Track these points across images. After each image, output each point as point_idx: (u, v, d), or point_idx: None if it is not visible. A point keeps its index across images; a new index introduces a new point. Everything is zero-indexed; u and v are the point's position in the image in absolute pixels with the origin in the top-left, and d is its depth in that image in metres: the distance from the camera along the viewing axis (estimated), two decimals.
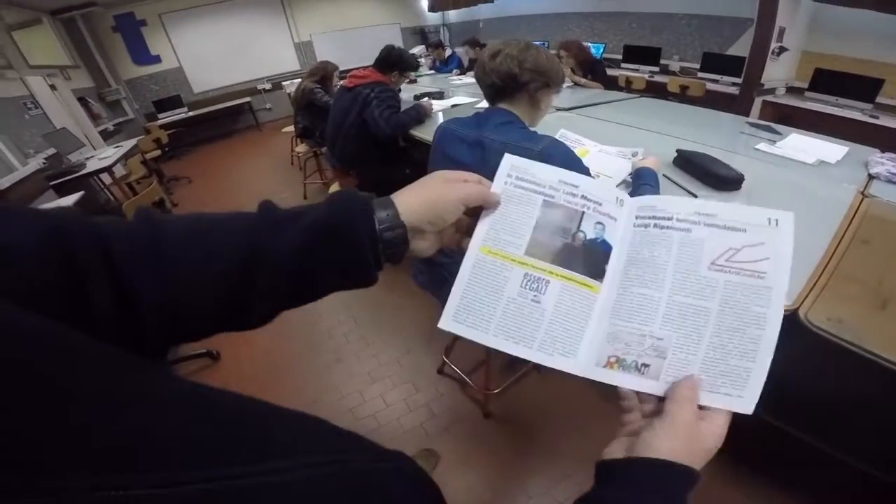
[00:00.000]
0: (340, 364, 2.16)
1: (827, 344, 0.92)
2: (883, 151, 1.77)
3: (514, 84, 1.22)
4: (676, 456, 0.36)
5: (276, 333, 2.35)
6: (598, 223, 0.46)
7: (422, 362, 2.09)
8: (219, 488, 0.23)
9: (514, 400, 1.86)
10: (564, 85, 3.27)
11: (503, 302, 0.44)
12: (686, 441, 0.37)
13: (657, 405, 0.41)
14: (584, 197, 0.46)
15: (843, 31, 3.81)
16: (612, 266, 0.45)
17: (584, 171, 1.18)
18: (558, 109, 2.63)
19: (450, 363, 1.96)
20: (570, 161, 1.17)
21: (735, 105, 3.93)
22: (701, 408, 0.39)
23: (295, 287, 0.40)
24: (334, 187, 2.73)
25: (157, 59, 6.71)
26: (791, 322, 0.96)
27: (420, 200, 0.43)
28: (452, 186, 0.44)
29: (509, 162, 0.48)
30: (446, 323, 0.44)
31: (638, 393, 0.42)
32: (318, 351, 2.26)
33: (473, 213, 0.47)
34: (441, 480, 1.61)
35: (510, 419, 1.80)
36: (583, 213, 0.46)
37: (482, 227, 0.46)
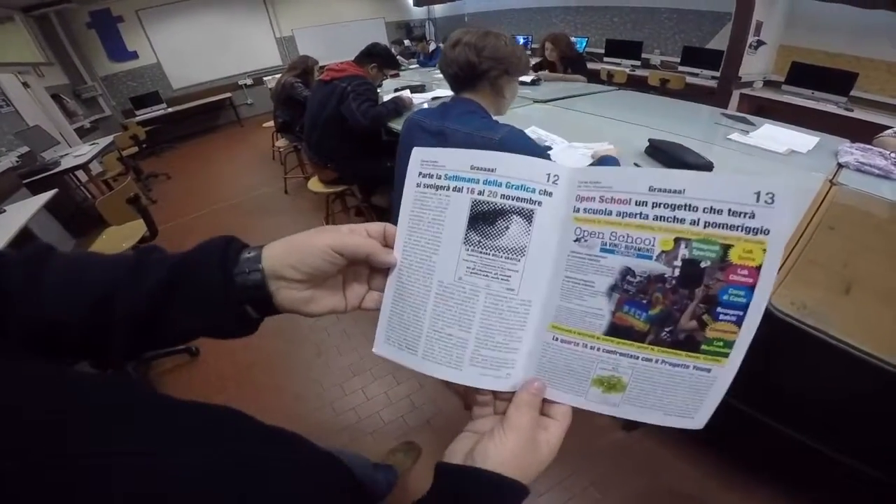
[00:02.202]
0: (321, 358, 2.14)
1: (791, 329, 0.93)
2: (853, 141, 1.81)
3: (473, 73, 1.20)
4: (508, 467, 0.35)
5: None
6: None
7: None
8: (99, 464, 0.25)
9: None
10: (542, 80, 3.32)
11: (429, 315, 0.40)
12: (522, 450, 0.37)
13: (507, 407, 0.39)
14: (508, 185, 0.38)
15: (820, 25, 3.89)
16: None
17: (547, 157, 1.19)
18: (536, 102, 2.64)
19: None
20: (529, 148, 1.17)
21: (713, 98, 3.99)
22: (542, 412, 0.39)
23: (152, 328, 0.39)
24: (314, 181, 2.70)
25: (134, 56, 6.57)
26: None
27: (284, 245, 0.40)
28: (328, 233, 0.40)
29: (418, 157, 0.41)
30: (378, 347, 0.42)
31: (494, 391, 0.40)
32: (298, 346, 2.24)
33: (376, 266, 0.43)
34: (422, 472, 1.61)
35: None
36: (532, 209, 0.38)
37: (401, 237, 0.42)
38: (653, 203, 0.33)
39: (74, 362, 0.40)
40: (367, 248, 0.40)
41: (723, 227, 0.31)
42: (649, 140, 1.67)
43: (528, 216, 0.37)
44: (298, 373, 2.08)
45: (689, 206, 0.32)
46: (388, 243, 0.42)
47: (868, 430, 1.32)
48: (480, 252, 0.38)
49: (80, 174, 4.09)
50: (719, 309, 0.32)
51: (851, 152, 1.67)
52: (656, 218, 0.33)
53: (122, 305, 0.38)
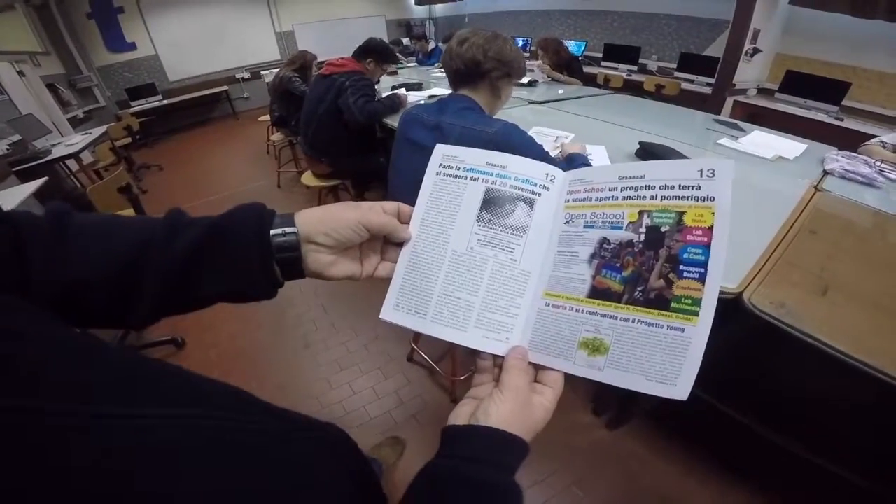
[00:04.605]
0: (308, 351, 2.14)
1: (769, 327, 0.95)
2: (840, 149, 1.84)
3: (476, 71, 1.24)
4: (509, 424, 0.38)
5: (243, 321, 2.33)
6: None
7: (391, 350, 2.10)
8: (89, 424, 0.24)
9: None
10: (541, 80, 3.34)
11: (439, 285, 0.45)
12: (520, 409, 0.39)
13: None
14: (516, 178, 0.46)
15: (816, 34, 3.92)
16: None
17: (539, 149, 1.21)
18: (531, 103, 2.66)
19: (419, 350, 1.97)
20: (524, 142, 1.20)
21: (707, 104, 4.01)
22: (536, 381, 0.42)
23: (181, 289, 0.40)
24: (307, 175, 2.70)
25: (132, 47, 6.51)
26: (735, 306, 1.00)
27: (318, 213, 0.44)
28: (356, 209, 0.45)
29: (440, 151, 0.48)
30: (386, 313, 0.46)
31: (494, 357, 0.44)
32: (285, 338, 2.24)
33: (395, 243, 0.48)
34: (408, 467, 1.62)
35: None
36: (534, 199, 0.46)
37: (418, 212, 0.47)
38: (621, 188, 0.41)
39: (93, 326, 0.40)
40: (390, 227, 0.46)
41: (675, 199, 0.38)
42: (639, 142, 1.69)
43: (530, 203, 0.45)
44: (285, 365, 2.08)
45: (648, 185, 0.40)
46: (402, 220, 0.47)
47: (840, 429, 1.34)
48: (490, 227, 0.45)
49: (72, 163, 4.06)
50: (682, 267, 0.37)
51: (837, 159, 1.69)
52: (624, 198, 0.41)
53: (156, 264, 0.38)
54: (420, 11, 8.80)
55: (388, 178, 1.39)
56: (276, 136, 4.09)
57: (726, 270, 1.04)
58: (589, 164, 1.35)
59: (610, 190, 0.42)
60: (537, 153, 1.19)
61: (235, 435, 0.33)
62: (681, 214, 0.38)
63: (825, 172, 1.65)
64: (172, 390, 0.33)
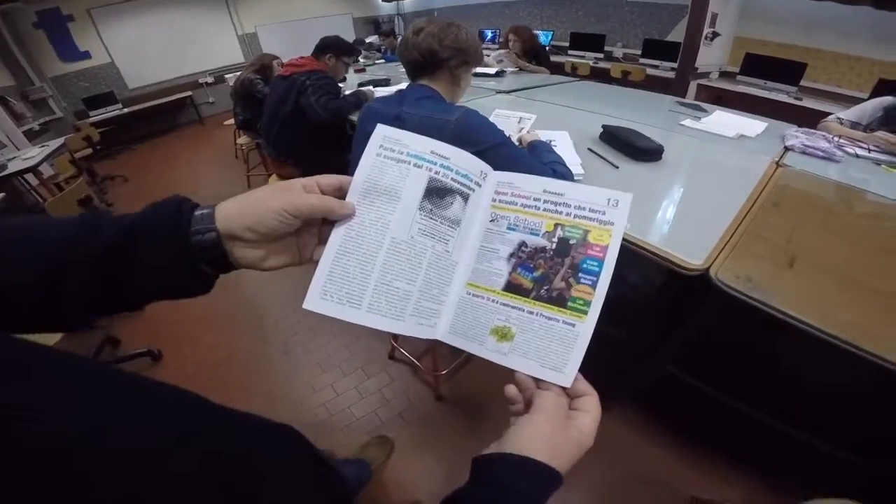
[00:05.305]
0: (288, 356, 2.11)
1: (737, 302, 0.94)
2: (800, 126, 1.89)
3: (434, 60, 1.23)
4: (535, 448, 0.37)
5: (221, 329, 2.27)
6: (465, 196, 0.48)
7: (372, 348, 2.08)
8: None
9: (465, 382, 1.88)
10: (509, 70, 3.34)
11: (376, 273, 0.44)
12: (551, 431, 0.39)
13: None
14: (457, 172, 0.47)
15: (772, 17, 4.03)
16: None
17: (501, 134, 1.21)
18: (499, 92, 2.66)
19: (399, 348, 1.96)
20: (485, 126, 1.19)
21: (671, 89, 4.08)
22: (571, 408, 0.42)
23: (108, 288, 0.38)
24: (273, 178, 2.65)
25: (86, 56, 6.25)
26: (702, 281, 1.00)
27: (237, 206, 0.40)
28: (282, 194, 0.41)
29: (381, 132, 0.46)
30: (313, 303, 0.42)
31: (520, 386, 0.44)
32: (265, 344, 2.20)
33: (334, 220, 0.44)
34: (397, 465, 1.59)
35: (462, 401, 1.81)
36: (469, 194, 0.48)
37: (352, 195, 0.45)
38: (544, 200, 0.46)
39: (27, 332, 0.38)
40: (324, 208, 0.42)
41: (585, 219, 0.44)
42: (603, 126, 1.71)
43: (466, 197, 0.48)
44: (266, 371, 2.04)
45: (566, 203, 0.46)
46: (343, 196, 0.44)
47: (828, 405, 1.36)
48: (431, 218, 0.46)
49: (30, 177, 3.89)
50: (580, 274, 0.43)
51: (797, 136, 1.74)
52: (545, 210, 0.46)
53: (77, 261, 0.36)
54: (388, 8, 8.72)
55: (349, 173, 1.36)
56: (243, 140, 4.01)
57: (689, 248, 1.05)
58: (552, 150, 1.35)
59: (534, 200, 0.47)
60: (499, 138, 1.18)
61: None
62: (586, 232, 0.44)
63: (786, 149, 1.69)
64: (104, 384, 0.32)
